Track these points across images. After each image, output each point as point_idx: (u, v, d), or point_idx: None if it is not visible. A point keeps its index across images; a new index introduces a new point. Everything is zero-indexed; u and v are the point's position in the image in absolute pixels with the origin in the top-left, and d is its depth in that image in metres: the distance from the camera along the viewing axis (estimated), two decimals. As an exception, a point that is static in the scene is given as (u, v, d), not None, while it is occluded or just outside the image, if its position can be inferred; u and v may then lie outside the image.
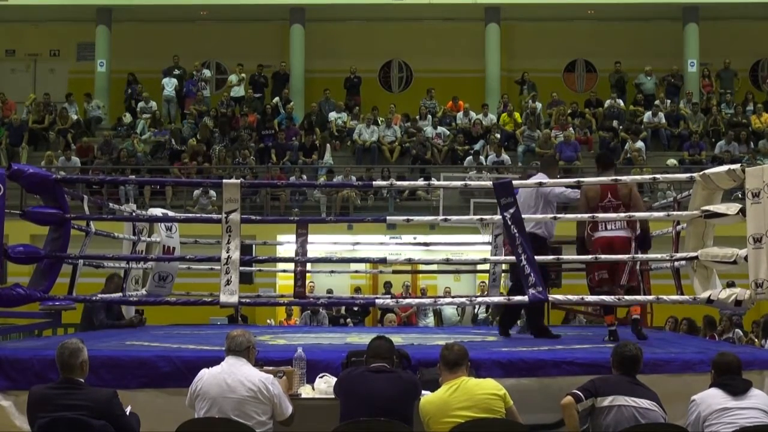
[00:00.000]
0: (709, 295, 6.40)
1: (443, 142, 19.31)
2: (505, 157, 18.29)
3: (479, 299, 8.89)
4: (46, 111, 20.49)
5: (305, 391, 5.51)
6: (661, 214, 8.07)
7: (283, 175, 18.09)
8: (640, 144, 18.74)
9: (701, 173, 6.59)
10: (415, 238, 15.40)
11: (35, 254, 6.77)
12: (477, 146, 19.00)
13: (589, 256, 7.18)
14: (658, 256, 7.69)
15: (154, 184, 17.91)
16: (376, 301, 8.26)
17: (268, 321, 14.56)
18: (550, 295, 6.73)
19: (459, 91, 20.89)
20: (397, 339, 6.73)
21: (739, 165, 6.52)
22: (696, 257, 6.55)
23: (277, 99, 20.77)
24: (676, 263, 7.51)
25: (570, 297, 6.99)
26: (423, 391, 5.21)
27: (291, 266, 9.94)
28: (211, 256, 7.10)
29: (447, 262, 8.63)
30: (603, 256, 7.01)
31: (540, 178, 7.75)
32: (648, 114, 19.90)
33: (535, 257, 6.54)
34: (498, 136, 19.17)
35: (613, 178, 7.00)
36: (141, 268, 9.46)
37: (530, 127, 19.37)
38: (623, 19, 22.03)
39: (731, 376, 5.14)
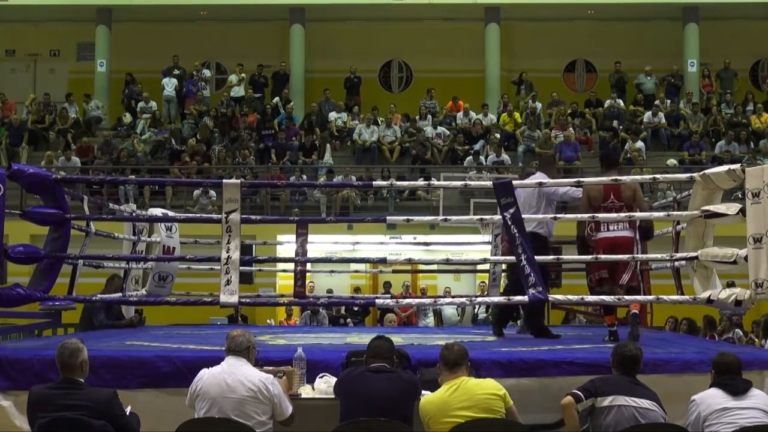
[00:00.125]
0: (709, 295, 6.40)
1: (443, 142, 19.31)
2: (505, 157, 18.29)
3: (479, 299, 8.89)
4: (46, 111, 20.50)
5: (305, 391, 5.51)
6: (661, 214, 8.06)
7: (283, 175, 18.09)
8: (640, 144, 18.74)
9: (701, 173, 6.59)
10: (415, 238, 15.40)
11: (35, 254, 6.77)
12: (477, 146, 19.00)
13: (590, 256, 7.17)
14: (658, 256, 7.68)
15: (154, 184, 17.92)
16: (376, 301, 8.26)
17: (268, 321, 14.56)
18: (550, 295, 6.72)
19: (459, 91, 20.89)
20: (397, 339, 6.73)
21: (739, 165, 6.52)
22: (696, 257, 6.55)
23: (277, 99, 20.77)
24: (676, 263, 7.51)
25: (570, 297, 6.98)
26: (423, 391, 5.21)
27: (291, 266, 9.93)
28: (211, 256, 7.10)
29: (447, 262, 8.63)
30: (603, 256, 7.00)
31: (539, 177, 7.75)
32: (648, 114, 19.91)
33: (536, 257, 6.54)
34: (498, 136, 19.17)
35: (614, 177, 6.98)
36: (141, 268, 9.46)
37: (530, 127, 19.38)
38: (623, 19, 22.03)
39: (731, 376, 5.14)
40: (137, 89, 21.30)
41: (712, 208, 6.47)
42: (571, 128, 19.31)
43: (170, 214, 10.98)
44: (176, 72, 21.09)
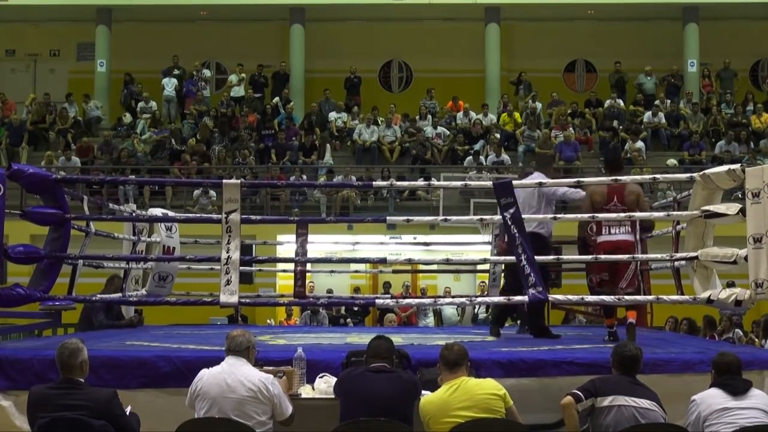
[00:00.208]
0: (709, 295, 6.40)
1: (443, 142, 19.31)
2: (505, 157, 18.29)
3: (479, 299, 8.89)
4: (46, 111, 20.49)
5: (305, 391, 5.51)
6: (661, 214, 8.06)
7: (283, 175, 18.09)
8: (640, 144, 18.74)
9: (701, 173, 6.59)
10: (415, 238, 15.40)
11: (35, 254, 6.77)
12: (477, 146, 19.00)
13: (590, 257, 7.16)
14: (658, 256, 7.68)
15: (154, 184, 17.92)
16: (376, 301, 8.26)
17: (268, 321, 14.56)
18: (550, 295, 6.72)
19: (459, 91, 20.89)
20: (397, 339, 6.73)
21: (739, 165, 6.52)
22: (696, 257, 6.55)
23: (277, 99, 20.77)
24: (676, 263, 7.51)
25: (570, 297, 6.98)
26: (423, 391, 5.21)
27: (291, 266, 9.93)
28: (211, 256, 7.10)
29: (447, 262, 8.63)
30: (603, 257, 6.99)
31: (537, 177, 7.74)
32: (648, 114, 19.91)
33: (536, 257, 6.54)
34: (498, 136, 19.18)
35: (615, 177, 6.97)
36: (141, 268, 9.46)
37: (530, 127, 19.38)
38: (623, 19, 22.03)
39: (731, 376, 5.14)
40: (137, 89, 21.30)
41: (712, 208, 6.47)
42: (571, 128, 19.31)
43: (170, 214, 10.98)
44: (176, 72, 21.09)
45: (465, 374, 5.04)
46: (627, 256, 6.97)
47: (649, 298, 7.29)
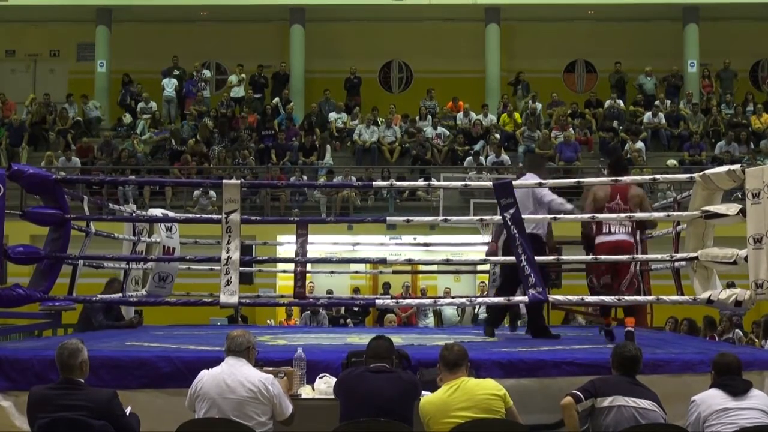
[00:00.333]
0: (709, 296, 6.40)
1: (443, 143, 19.31)
2: (504, 157, 18.28)
3: (479, 300, 8.88)
4: (46, 111, 20.49)
5: (305, 392, 5.51)
6: (661, 214, 8.06)
7: (283, 175, 18.08)
8: (640, 144, 18.74)
9: (701, 174, 6.58)
10: (415, 239, 15.40)
11: (35, 254, 6.77)
12: (477, 147, 19.00)
13: (590, 257, 7.16)
14: (658, 256, 7.68)
15: (154, 185, 17.92)
16: (377, 301, 8.27)
17: (268, 321, 14.56)
18: (550, 295, 6.72)
19: (459, 92, 20.89)
20: (397, 339, 6.73)
21: (739, 165, 6.52)
22: (696, 258, 6.55)
23: (277, 99, 20.77)
24: (676, 264, 7.51)
25: (570, 297, 6.98)
26: (423, 392, 5.22)
27: (291, 266, 9.94)
28: (211, 257, 7.10)
29: (447, 262, 8.62)
30: (603, 257, 6.99)
31: (529, 177, 7.73)
32: (648, 114, 19.91)
33: (536, 257, 6.54)
34: (498, 136, 19.17)
35: (615, 178, 6.97)
36: (141, 268, 9.46)
37: (530, 128, 19.38)
38: (623, 19, 22.03)
39: (731, 377, 5.14)
40: (137, 89, 21.30)
41: (712, 208, 6.47)
42: (571, 129, 19.31)
43: (170, 214, 10.98)
44: (176, 72, 21.09)
45: (465, 374, 5.04)
46: (627, 256, 6.96)
47: (649, 298, 7.29)
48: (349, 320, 15.33)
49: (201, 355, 5.99)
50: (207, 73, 21.49)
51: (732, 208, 6.35)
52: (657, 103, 20.20)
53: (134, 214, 9.79)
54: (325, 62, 21.95)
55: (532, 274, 6.42)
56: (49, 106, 20.68)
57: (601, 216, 7.01)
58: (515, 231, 6.50)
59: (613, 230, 7.12)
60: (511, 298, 7.29)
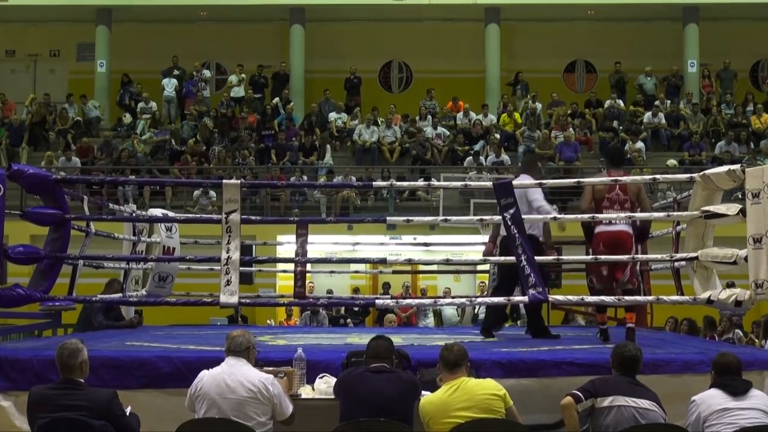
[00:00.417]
0: (709, 296, 6.40)
1: (443, 143, 19.31)
2: (504, 157, 18.28)
3: (479, 300, 8.88)
4: (46, 111, 20.49)
5: (305, 392, 5.51)
6: (661, 214, 8.07)
7: (283, 175, 18.08)
8: (640, 144, 18.74)
9: (701, 174, 6.59)
10: (415, 239, 15.39)
11: (35, 254, 6.77)
12: (477, 147, 19.00)
13: (590, 257, 7.16)
14: (658, 256, 7.68)
15: (154, 185, 17.92)
16: (377, 301, 8.27)
17: (268, 321, 14.56)
18: (550, 295, 6.72)
19: (459, 92, 20.89)
20: (397, 339, 6.73)
21: (739, 165, 6.52)
22: (696, 258, 6.55)
23: (277, 99, 20.77)
24: (676, 264, 7.51)
25: (570, 297, 6.99)
26: (423, 392, 5.22)
27: (291, 266, 9.94)
28: (211, 257, 7.10)
29: (447, 262, 8.62)
30: (603, 257, 7.00)
31: (523, 178, 7.73)
32: (648, 114, 19.91)
33: (536, 257, 6.54)
34: (498, 136, 19.17)
35: (615, 179, 6.98)
36: (141, 268, 9.46)
37: (530, 128, 19.38)
38: (623, 19, 22.03)
39: (731, 377, 5.14)
40: (137, 89, 21.31)
41: (712, 208, 6.47)
42: (571, 129, 19.31)
43: (170, 214, 10.98)
44: (176, 72, 21.09)
45: (465, 375, 5.04)
46: (627, 256, 6.97)
47: (649, 298, 7.30)
48: (349, 320, 15.33)
49: (201, 355, 5.99)
50: (207, 73, 21.49)
51: (732, 208, 6.36)
52: (657, 103, 20.20)
53: (134, 214, 9.79)
54: (325, 62, 21.95)
55: (532, 274, 6.43)
56: (49, 106, 20.68)
57: (601, 216, 7.02)
58: (515, 231, 6.50)
59: (612, 221, 7.13)
60: (511, 297, 7.30)
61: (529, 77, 21.50)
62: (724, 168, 6.51)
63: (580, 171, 17.61)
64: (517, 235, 6.49)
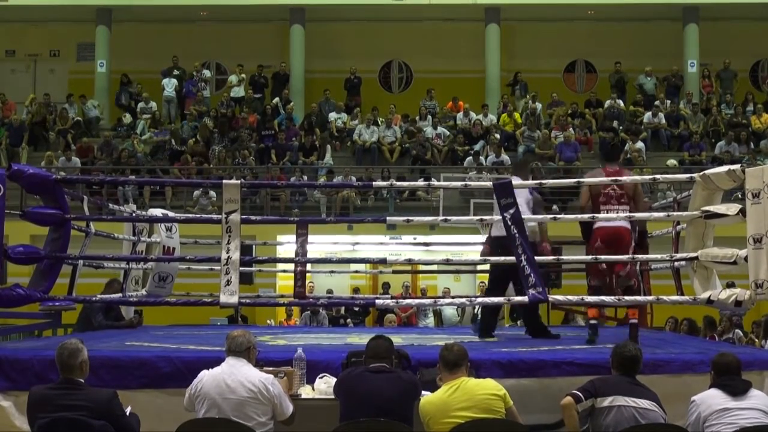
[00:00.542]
0: (709, 296, 6.40)
1: (443, 143, 19.32)
2: (504, 157, 18.27)
3: (479, 300, 8.87)
4: (46, 111, 20.49)
5: (305, 392, 5.51)
6: (661, 214, 8.07)
7: (283, 175, 18.08)
8: (640, 144, 18.74)
9: (701, 174, 6.59)
10: (415, 239, 15.39)
11: (35, 255, 6.77)
12: (477, 147, 19.00)
13: (589, 257, 7.16)
14: (658, 256, 7.68)
15: (154, 185, 17.92)
16: (377, 301, 8.27)
17: (268, 321, 14.55)
18: (550, 295, 6.72)
19: (459, 92, 20.89)
20: (397, 339, 6.73)
21: (739, 165, 6.52)
22: (696, 258, 6.55)
23: (277, 99, 20.77)
24: (676, 263, 7.51)
25: (570, 297, 6.99)
26: (423, 392, 5.22)
27: (291, 266, 9.94)
28: (211, 257, 7.10)
29: (447, 262, 8.63)
30: (603, 257, 7.00)
31: (514, 180, 7.72)
32: (648, 114, 19.91)
33: (536, 257, 6.54)
34: (498, 136, 19.17)
35: (615, 178, 6.98)
36: (141, 268, 9.46)
37: (530, 128, 19.38)
38: (623, 19, 22.03)
39: (731, 377, 5.14)
40: (137, 89, 21.31)
41: (712, 208, 6.47)
42: (571, 129, 19.31)
43: (170, 214, 10.98)
44: (176, 72, 21.09)
45: (465, 375, 5.04)
46: (627, 257, 6.97)
47: (649, 298, 7.30)
48: (349, 320, 15.33)
49: (201, 355, 6.00)
50: (207, 73, 21.49)
51: (732, 208, 6.36)
52: (657, 103, 20.20)
53: (134, 214, 9.78)
54: (325, 62, 21.95)
55: (532, 274, 6.43)
56: (49, 106, 20.68)
57: (601, 216, 7.02)
58: (515, 231, 6.51)
59: (611, 215, 7.12)
60: (511, 298, 7.30)
61: (529, 77, 21.50)
62: (724, 168, 6.52)
63: (580, 171, 17.61)
64: (517, 235, 6.50)
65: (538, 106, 20.23)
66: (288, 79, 21.49)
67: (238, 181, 6.74)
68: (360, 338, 7.58)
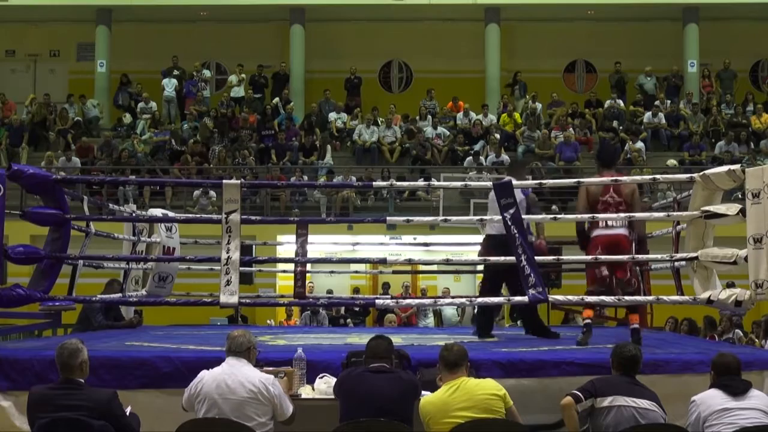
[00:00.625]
0: (709, 296, 6.40)
1: (443, 143, 19.32)
2: (504, 157, 18.27)
3: (479, 300, 8.87)
4: (46, 111, 20.49)
5: (305, 392, 5.51)
6: (661, 214, 8.07)
7: (283, 175, 18.09)
8: (640, 144, 18.75)
9: (701, 174, 6.59)
10: (415, 239, 15.40)
11: (35, 255, 6.77)
12: (477, 147, 19.00)
13: (589, 257, 7.15)
14: (658, 256, 7.68)
15: (154, 185, 17.92)
16: (377, 301, 8.26)
17: (268, 321, 14.55)
18: (550, 295, 6.72)
19: (459, 92, 20.89)
20: (397, 339, 6.73)
21: (739, 165, 6.52)
22: (696, 258, 6.55)
23: (277, 99, 20.77)
24: (676, 264, 7.51)
25: (570, 297, 6.98)
26: (423, 392, 5.22)
27: (291, 266, 9.94)
28: (211, 257, 7.11)
29: (447, 262, 8.62)
30: (603, 257, 6.99)
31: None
32: (648, 114, 19.91)
33: (536, 257, 6.54)
34: (498, 136, 19.17)
35: (615, 178, 6.98)
36: (141, 268, 9.46)
37: (530, 128, 19.39)
38: (623, 19, 22.02)
39: (731, 377, 5.14)
40: (137, 89, 21.31)
41: (712, 208, 6.47)
42: (571, 129, 19.31)
43: (170, 214, 10.98)
44: (176, 72, 21.08)
45: (465, 375, 5.04)
46: (627, 256, 6.96)
47: (649, 298, 7.30)
48: (349, 320, 15.34)
49: (201, 355, 6.00)
50: (207, 73, 21.48)
51: (732, 208, 6.36)
52: (657, 103, 20.20)
53: (134, 214, 9.78)
54: (325, 62, 21.95)
55: (532, 274, 6.43)
56: (49, 106, 20.67)
57: (601, 216, 7.00)
58: (515, 231, 6.51)
59: (609, 223, 7.09)
60: (512, 298, 7.29)
61: (529, 77, 21.49)
62: (724, 168, 6.51)
63: (580, 171, 17.61)
64: (516, 235, 6.50)
65: (538, 106, 20.24)
66: (288, 79, 21.49)
67: (238, 181, 6.74)
68: (360, 338, 7.58)
